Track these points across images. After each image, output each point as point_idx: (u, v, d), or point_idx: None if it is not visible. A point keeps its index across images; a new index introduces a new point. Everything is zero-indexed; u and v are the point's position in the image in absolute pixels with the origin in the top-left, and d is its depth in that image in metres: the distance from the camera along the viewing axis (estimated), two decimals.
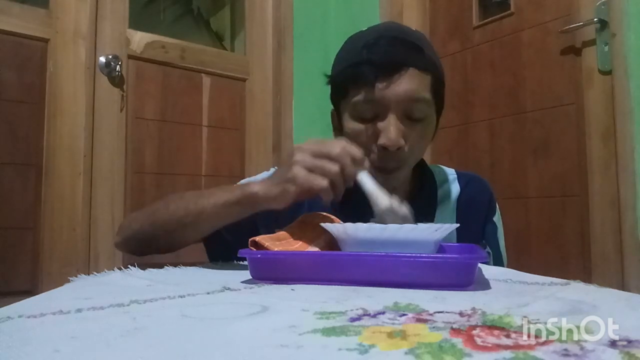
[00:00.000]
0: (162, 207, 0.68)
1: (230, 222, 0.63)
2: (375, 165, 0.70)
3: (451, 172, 0.85)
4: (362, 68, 0.68)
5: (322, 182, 0.55)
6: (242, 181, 0.81)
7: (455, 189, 0.82)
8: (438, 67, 0.73)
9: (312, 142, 0.58)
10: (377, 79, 0.67)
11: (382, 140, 0.68)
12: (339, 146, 0.57)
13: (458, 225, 0.54)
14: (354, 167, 0.57)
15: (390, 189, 0.74)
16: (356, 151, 0.57)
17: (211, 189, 0.66)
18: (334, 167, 0.55)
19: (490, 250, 0.79)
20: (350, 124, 0.72)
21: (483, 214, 0.82)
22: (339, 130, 0.77)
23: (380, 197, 0.56)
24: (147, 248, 0.69)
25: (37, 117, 1.52)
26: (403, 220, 0.55)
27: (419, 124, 0.70)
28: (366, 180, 0.58)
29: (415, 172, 0.80)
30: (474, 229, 0.79)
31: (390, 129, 0.67)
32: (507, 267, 0.83)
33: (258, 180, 0.63)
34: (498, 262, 0.81)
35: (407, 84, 0.67)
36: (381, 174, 0.70)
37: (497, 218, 0.84)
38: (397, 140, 0.67)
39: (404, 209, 0.56)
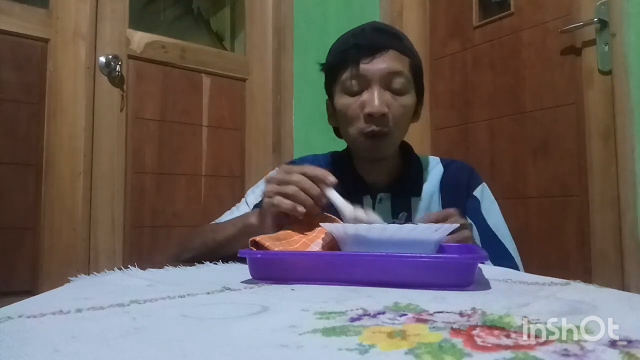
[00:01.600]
0: (188, 244, 0.81)
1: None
2: (365, 132, 0.79)
3: (434, 158, 0.94)
4: (349, 52, 0.79)
5: (284, 203, 0.62)
6: (248, 192, 0.93)
7: (438, 169, 0.90)
8: (416, 55, 0.83)
9: (281, 171, 0.66)
10: (362, 58, 0.78)
11: (367, 109, 0.77)
12: (299, 171, 0.63)
13: (458, 225, 0.55)
14: (318, 185, 0.62)
15: (381, 156, 0.83)
16: (317, 172, 0.63)
17: (226, 222, 0.78)
18: (291, 189, 0.62)
19: (472, 223, 0.82)
20: (341, 100, 0.81)
21: (464, 190, 0.87)
22: (332, 115, 0.87)
23: (346, 208, 0.61)
24: None
25: (37, 117, 1.52)
26: None
27: (399, 97, 0.79)
28: (332, 195, 0.62)
29: (402, 154, 0.89)
30: (459, 205, 0.81)
31: (374, 99, 0.77)
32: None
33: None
34: (489, 239, 0.82)
35: (388, 61, 0.78)
36: (371, 140, 0.79)
37: (479, 192, 0.87)
38: (381, 107, 0.76)
39: (371, 216, 0.60)
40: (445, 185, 0.87)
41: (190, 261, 0.77)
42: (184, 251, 0.81)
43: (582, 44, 1.36)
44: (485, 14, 1.66)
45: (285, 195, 0.62)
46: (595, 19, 1.30)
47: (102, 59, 1.63)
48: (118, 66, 1.64)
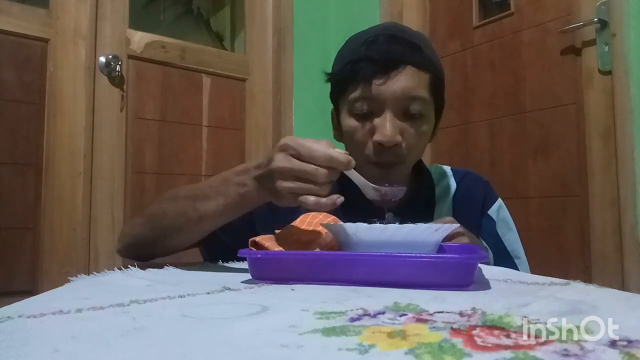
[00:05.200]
0: (159, 212, 0.67)
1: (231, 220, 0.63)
2: (373, 160, 0.71)
3: (446, 170, 0.86)
4: (359, 65, 0.69)
5: (309, 200, 0.52)
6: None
7: (451, 186, 0.83)
8: (437, 66, 0.73)
9: (292, 147, 0.53)
10: (374, 76, 0.67)
11: (377, 137, 0.68)
12: (324, 162, 0.51)
13: (458, 225, 0.55)
14: (340, 170, 0.53)
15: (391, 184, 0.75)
16: (341, 159, 0.52)
17: (202, 187, 0.63)
18: (323, 189, 0.52)
19: (487, 245, 0.79)
20: (348, 121, 0.72)
21: (479, 208, 0.82)
22: (338, 129, 0.78)
23: (367, 186, 0.57)
24: (148, 253, 0.69)
25: (37, 117, 1.52)
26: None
27: (416, 122, 0.70)
28: (353, 175, 0.56)
29: (413, 172, 0.80)
30: (473, 224, 0.79)
31: (386, 126, 0.68)
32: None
33: (252, 171, 0.58)
34: (503, 258, 0.79)
35: (404, 81, 0.68)
36: (379, 168, 0.71)
37: (494, 211, 0.82)
38: (393, 137, 0.68)
39: (395, 192, 0.57)
40: (458, 203, 0.81)
41: (160, 236, 0.65)
42: (152, 219, 0.67)
43: (582, 44, 1.36)
44: (485, 14, 1.66)
45: (309, 192, 0.51)
46: (595, 19, 1.30)
47: (102, 59, 1.63)
48: (118, 66, 1.64)
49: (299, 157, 0.52)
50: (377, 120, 0.69)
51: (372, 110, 0.69)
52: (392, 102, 0.68)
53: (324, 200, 0.52)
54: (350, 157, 0.53)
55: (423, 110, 0.70)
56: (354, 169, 0.54)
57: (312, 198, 0.52)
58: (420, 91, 0.69)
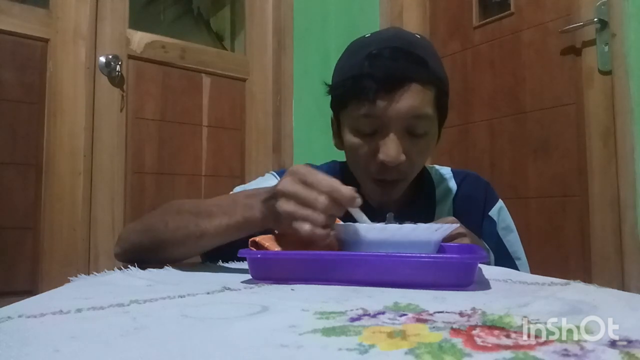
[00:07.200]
0: (160, 223, 0.65)
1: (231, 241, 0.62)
2: (375, 178, 0.70)
3: (447, 171, 0.85)
4: (363, 82, 0.66)
5: (314, 232, 0.50)
6: (236, 189, 0.78)
7: (451, 187, 0.83)
8: (442, 79, 0.71)
9: (297, 178, 0.52)
10: (378, 95, 0.66)
11: (381, 157, 0.67)
12: (327, 189, 0.50)
13: (458, 224, 0.55)
14: (344, 207, 0.51)
15: (391, 200, 0.73)
16: (346, 193, 0.50)
17: (209, 204, 0.63)
18: (319, 218, 0.50)
19: (487, 247, 0.79)
20: (350, 138, 0.71)
21: (480, 209, 0.82)
22: (338, 137, 0.77)
23: None
24: (145, 260, 0.67)
25: (37, 117, 1.52)
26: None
27: (420, 139, 0.69)
28: (359, 217, 0.54)
29: (415, 178, 0.79)
30: (473, 226, 0.79)
31: (390, 146, 0.66)
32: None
33: (262, 194, 0.57)
34: (504, 258, 0.79)
35: (409, 101, 0.66)
36: (381, 187, 0.71)
37: (495, 212, 0.82)
38: (397, 158, 0.67)
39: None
40: (458, 205, 0.81)
41: (158, 247, 0.64)
42: (152, 229, 0.65)
43: (582, 44, 1.36)
44: (485, 14, 1.66)
45: (305, 219, 0.50)
46: (595, 19, 1.30)
47: (102, 59, 1.63)
48: (118, 66, 1.64)
49: (304, 183, 0.51)
50: (380, 140, 0.68)
51: (376, 129, 0.68)
52: (397, 122, 0.66)
53: (318, 230, 0.49)
54: (357, 195, 0.51)
55: (427, 128, 0.69)
56: (356, 186, 0.50)
57: (307, 226, 0.49)
58: (425, 109, 0.67)
